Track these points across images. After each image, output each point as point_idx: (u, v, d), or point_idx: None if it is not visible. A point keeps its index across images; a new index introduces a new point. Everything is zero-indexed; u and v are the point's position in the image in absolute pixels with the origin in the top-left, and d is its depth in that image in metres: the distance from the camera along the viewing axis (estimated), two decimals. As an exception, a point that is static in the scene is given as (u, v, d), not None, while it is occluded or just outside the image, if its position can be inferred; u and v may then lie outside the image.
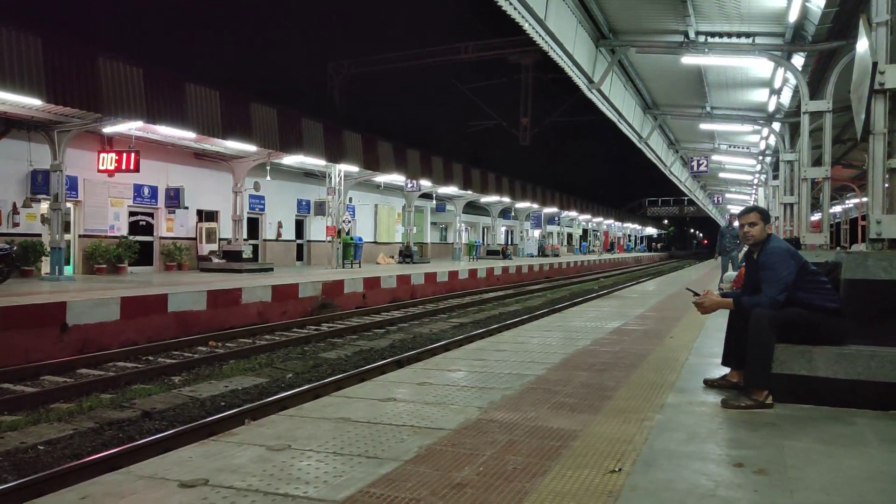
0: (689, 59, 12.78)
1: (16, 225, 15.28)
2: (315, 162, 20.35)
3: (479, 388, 4.46)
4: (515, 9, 9.52)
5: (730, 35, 12.01)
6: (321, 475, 2.78)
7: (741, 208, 4.85)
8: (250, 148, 17.57)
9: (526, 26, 10.12)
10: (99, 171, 16.25)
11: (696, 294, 4.37)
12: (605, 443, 3.21)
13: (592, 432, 3.39)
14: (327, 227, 22.42)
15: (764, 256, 4.13)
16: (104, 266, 16.66)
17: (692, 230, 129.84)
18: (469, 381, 4.74)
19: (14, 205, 15.29)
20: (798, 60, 12.28)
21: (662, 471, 2.82)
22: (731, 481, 2.71)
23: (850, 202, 34.36)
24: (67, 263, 15.12)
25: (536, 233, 45.79)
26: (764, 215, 4.29)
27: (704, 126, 20.51)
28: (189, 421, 6.36)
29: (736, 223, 16.21)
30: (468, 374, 5.03)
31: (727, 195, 43.51)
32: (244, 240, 19.77)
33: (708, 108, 18.13)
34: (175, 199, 19.16)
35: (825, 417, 3.72)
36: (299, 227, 25.48)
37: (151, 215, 19.13)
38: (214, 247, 20.39)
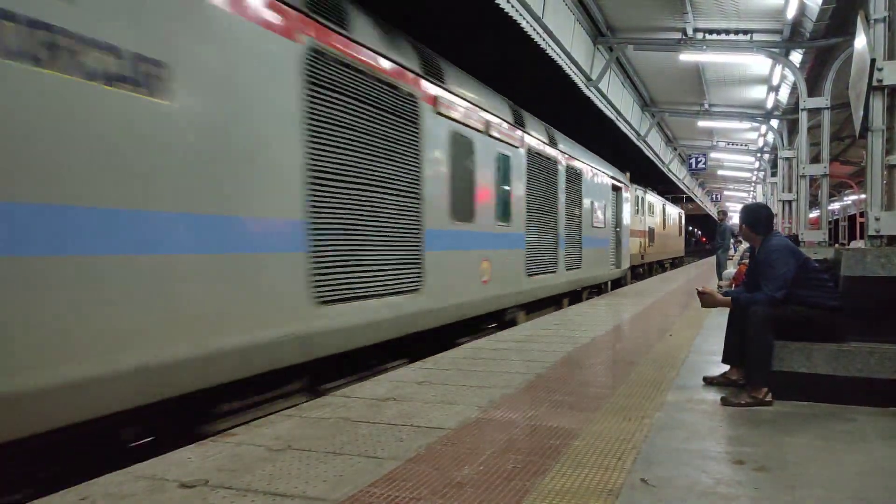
0: (687, 57, 12.80)
1: None
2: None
3: (478, 387, 4.46)
4: (513, 6, 9.51)
5: (728, 32, 12.02)
6: (321, 475, 2.78)
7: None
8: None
9: (523, 24, 10.10)
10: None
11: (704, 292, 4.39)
12: (605, 441, 3.21)
13: (592, 430, 3.39)
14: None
15: (763, 253, 4.13)
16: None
17: (690, 227, 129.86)
18: (468, 379, 4.73)
19: None
20: (796, 57, 12.29)
21: (663, 468, 2.82)
22: (731, 478, 2.71)
23: (849, 199, 34.42)
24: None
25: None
26: (750, 222, 4.29)
27: (703, 123, 20.53)
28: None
29: (726, 220, 16.28)
30: (467, 372, 5.02)
31: (726, 192, 43.48)
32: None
33: (706, 106, 18.14)
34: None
35: (825, 414, 3.72)
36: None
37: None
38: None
